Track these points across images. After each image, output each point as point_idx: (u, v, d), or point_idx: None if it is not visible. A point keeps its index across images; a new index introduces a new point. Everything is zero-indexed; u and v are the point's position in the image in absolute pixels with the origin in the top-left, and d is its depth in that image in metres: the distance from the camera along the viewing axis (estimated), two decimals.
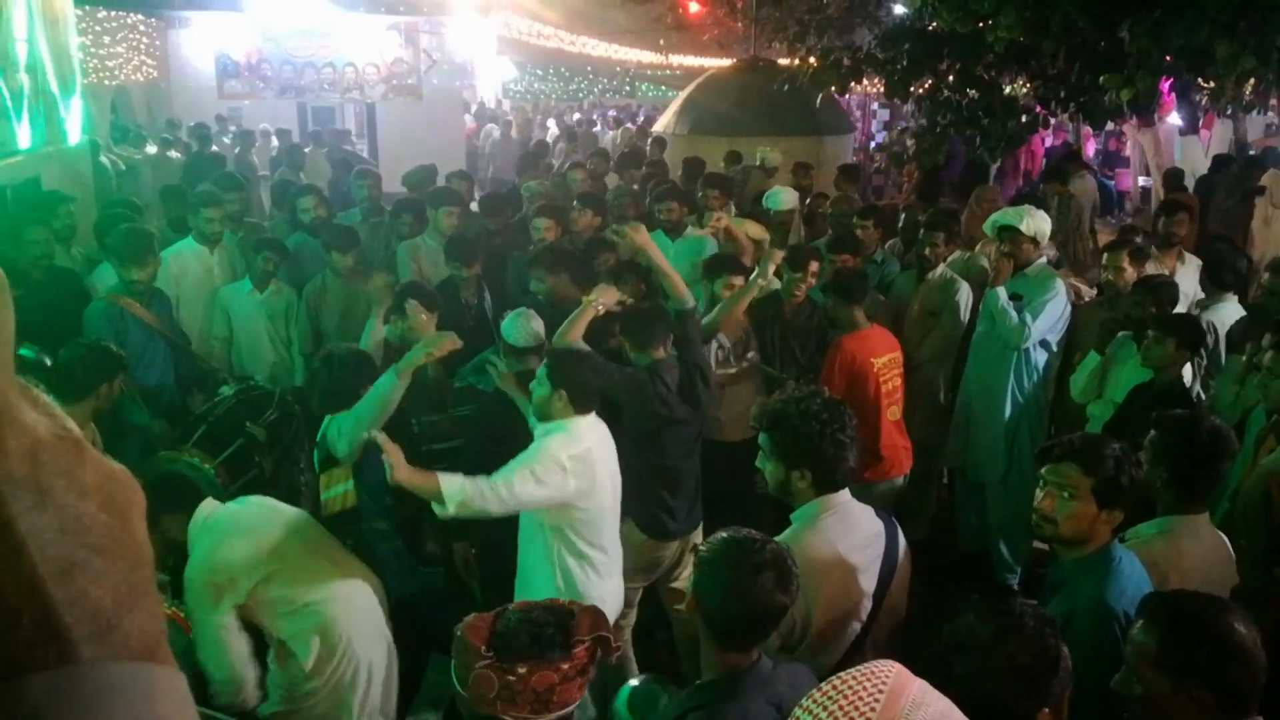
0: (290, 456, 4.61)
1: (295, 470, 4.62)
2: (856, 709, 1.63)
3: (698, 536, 4.27)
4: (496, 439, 3.93)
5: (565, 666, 1.96)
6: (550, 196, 7.55)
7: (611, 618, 3.58)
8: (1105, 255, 5.53)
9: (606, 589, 3.65)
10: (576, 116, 23.32)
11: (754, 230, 5.75)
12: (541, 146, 14.89)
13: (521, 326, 4.26)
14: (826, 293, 4.93)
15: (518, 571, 3.68)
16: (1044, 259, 5.45)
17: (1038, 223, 5.32)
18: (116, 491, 0.51)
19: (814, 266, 5.20)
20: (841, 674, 1.69)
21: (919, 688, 1.66)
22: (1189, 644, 2.07)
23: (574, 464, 3.41)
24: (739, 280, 4.95)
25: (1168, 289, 4.89)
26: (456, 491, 3.21)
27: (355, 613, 3.27)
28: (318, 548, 3.31)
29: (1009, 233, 5.28)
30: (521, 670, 1.92)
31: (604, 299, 4.23)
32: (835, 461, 2.81)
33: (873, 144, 17.96)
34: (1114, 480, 2.61)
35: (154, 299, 5.13)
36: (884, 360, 4.77)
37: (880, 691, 1.62)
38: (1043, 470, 2.73)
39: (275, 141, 14.17)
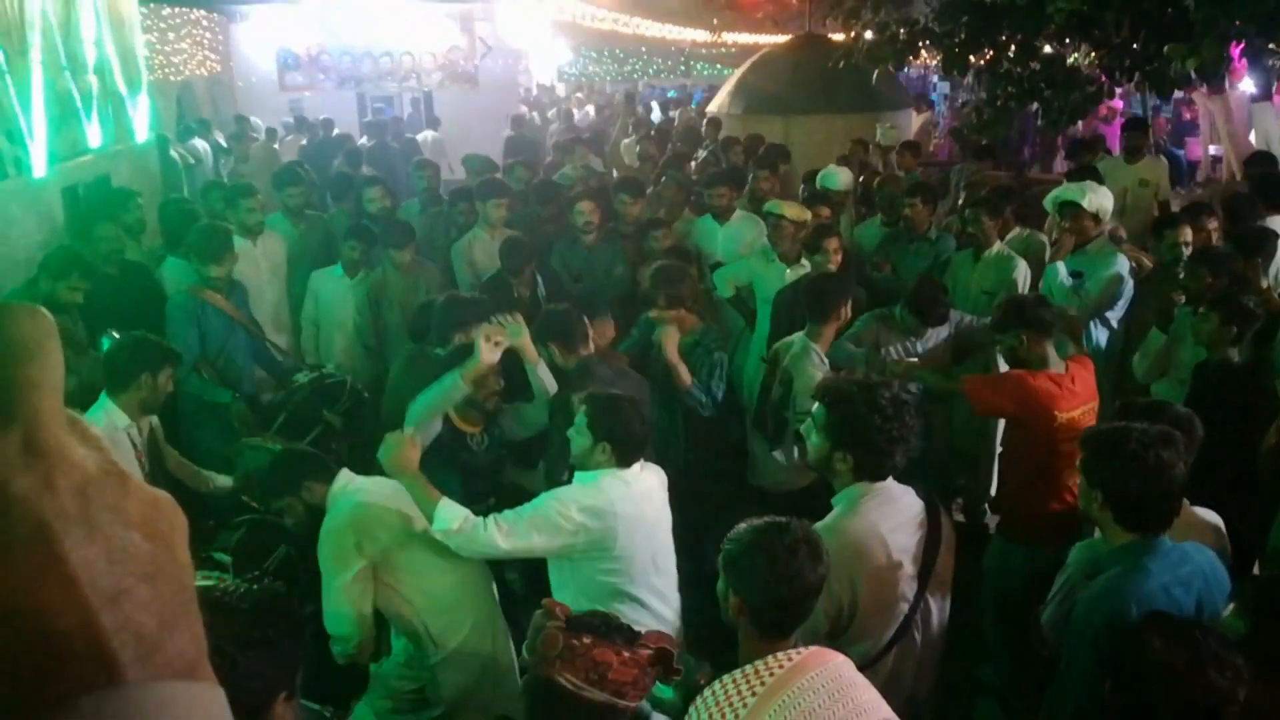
0: (363, 444, 4.70)
1: (370, 459, 4.72)
2: (730, 704, 1.62)
3: None
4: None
5: (626, 654, 2.07)
6: (586, 181, 7.59)
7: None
8: (1164, 231, 5.25)
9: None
10: (577, 94, 22.91)
11: (792, 211, 5.67)
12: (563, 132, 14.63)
13: None
14: (1006, 329, 3.97)
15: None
16: (1105, 234, 5.33)
17: (1100, 199, 5.21)
18: (159, 519, 0.54)
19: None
20: (744, 667, 1.67)
21: (807, 680, 1.59)
22: (1276, 634, 2.03)
23: (587, 516, 3.07)
24: None
25: (1222, 261, 4.64)
26: (449, 518, 3.00)
27: (470, 597, 3.32)
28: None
29: (1071, 209, 5.18)
30: (586, 640, 2.07)
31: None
32: (882, 455, 2.82)
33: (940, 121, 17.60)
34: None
35: (233, 290, 5.24)
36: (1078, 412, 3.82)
37: (762, 684, 1.60)
38: None
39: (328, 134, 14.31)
